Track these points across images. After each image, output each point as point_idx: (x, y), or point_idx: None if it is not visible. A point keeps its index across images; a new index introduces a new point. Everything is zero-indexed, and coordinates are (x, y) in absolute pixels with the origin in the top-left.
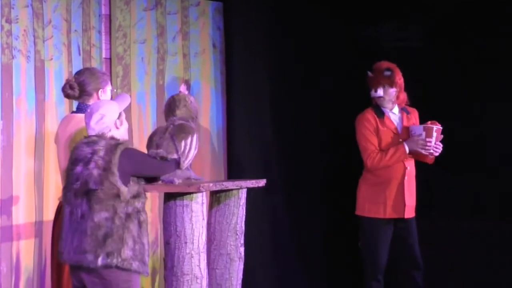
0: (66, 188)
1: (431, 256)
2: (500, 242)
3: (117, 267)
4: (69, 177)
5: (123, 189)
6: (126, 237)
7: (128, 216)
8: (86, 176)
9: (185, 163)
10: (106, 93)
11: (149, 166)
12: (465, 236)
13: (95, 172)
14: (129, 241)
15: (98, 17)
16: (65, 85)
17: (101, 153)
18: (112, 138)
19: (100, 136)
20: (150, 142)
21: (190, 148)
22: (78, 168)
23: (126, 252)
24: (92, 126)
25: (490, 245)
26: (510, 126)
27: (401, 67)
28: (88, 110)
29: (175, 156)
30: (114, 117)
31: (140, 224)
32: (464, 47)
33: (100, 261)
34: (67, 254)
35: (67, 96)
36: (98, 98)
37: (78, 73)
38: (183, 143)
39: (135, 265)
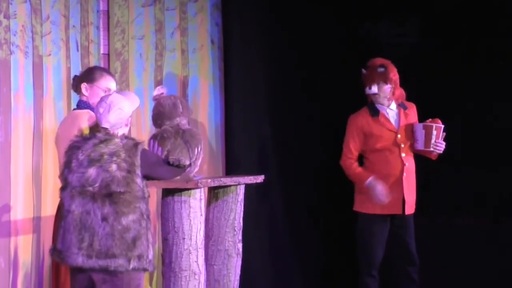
0: (75, 190)
1: (429, 253)
2: (498, 239)
3: (144, 269)
4: (79, 179)
5: (145, 190)
6: (149, 238)
7: (148, 217)
8: (107, 179)
9: (194, 171)
10: (92, 89)
11: (161, 170)
12: (463, 233)
13: (119, 174)
14: (151, 241)
15: (96, 13)
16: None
17: (122, 155)
18: (126, 136)
19: (110, 134)
20: (161, 144)
21: (199, 156)
22: (93, 171)
23: (151, 253)
24: (110, 119)
25: (488, 242)
26: (510, 122)
27: (400, 63)
28: (107, 102)
29: (187, 162)
30: (129, 115)
31: (151, 223)
32: (462, 43)
33: (132, 265)
34: (79, 257)
35: (73, 90)
36: (84, 92)
37: None
38: (196, 151)
39: (153, 265)
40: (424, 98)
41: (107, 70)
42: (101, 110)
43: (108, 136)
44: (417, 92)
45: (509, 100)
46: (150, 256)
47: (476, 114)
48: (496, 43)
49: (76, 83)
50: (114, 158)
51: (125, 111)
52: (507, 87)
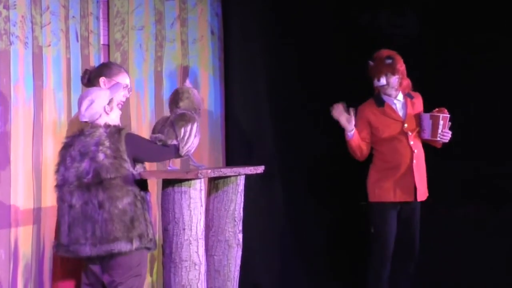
0: (73, 185)
1: (428, 242)
2: (496, 229)
3: (146, 247)
4: (75, 174)
5: (135, 173)
6: (148, 218)
7: (142, 198)
8: (97, 168)
9: (184, 149)
10: (110, 83)
11: (148, 150)
12: (461, 222)
13: (107, 162)
14: (150, 220)
15: (96, 3)
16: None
17: (107, 143)
18: (108, 125)
19: (95, 126)
20: (153, 132)
21: (190, 135)
22: (86, 164)
23: (151, 232)
24: (82, 112)
25: (485, 232)
26: (510, 113)
27: (401, 54)
28: (79, 97)
29: (174, 142)
30: (104, 103)
31: (148, 205)
32: (464, 33)
33: (135, 245)
34: (87, 247)
35: (82, 83)
36: (102, 86)
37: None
38: (182, 130)
39: (155, 243)
40: (427, 88)
41: (123, 66)
42: (78, 106)
43: (93, 129)
44: (419, 83)
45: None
46: (151, 235)
47: (477, 105)
48: (498, 33)
49: (89, 76)
50: (100, 147)
51: (96, 101)
52: (510, 76)
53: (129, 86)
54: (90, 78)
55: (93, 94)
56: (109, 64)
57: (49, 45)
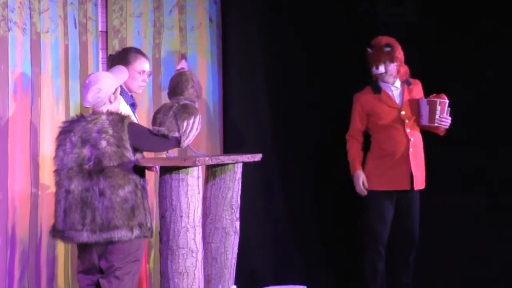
0: (73, 170)
1: (426, 232)
2: (494, 219)
3: (145, 236)
4: (75, 159)
5: (136, 162)
6: (147, 207)
7: (143, 187)
8: (99, 155)
9: (185, 142)
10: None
11: (149, 142)
12: (461, 212)
13: (109, 149)
14: (149, 209)
15: None
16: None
17: (110, 131)
18: (111, 112)
19: (97, 113)
20: (155, 120)
21: (192, 128)
22: (87, 150)
23: (150, 221)
24: (88, 98)
25: (484, 221)
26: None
27: (399, 42)
28: (86, 81)
29: (176, 134)
30: (111, 92)
31: (147, 193)
32: (462, 20)
33: (134, 233)
34: (84, 233)
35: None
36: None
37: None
38: (185, 123)
39: (152, 232)
40: (424, 76)
41: (141, 52)
42: (82, 90)
43: (95, 115)
44: (416, 71)
45: (509, 75)
46: (149, 224)
47: (476, 92)
48: (500, 20)
49: (111, 63)
50: (103, 135)
51: (104, 90)
52: (509, 63)
53: (147, 71)
54: (112, 66)
55: (102, 82)
56: (127, 50)
57: (47, 32)
